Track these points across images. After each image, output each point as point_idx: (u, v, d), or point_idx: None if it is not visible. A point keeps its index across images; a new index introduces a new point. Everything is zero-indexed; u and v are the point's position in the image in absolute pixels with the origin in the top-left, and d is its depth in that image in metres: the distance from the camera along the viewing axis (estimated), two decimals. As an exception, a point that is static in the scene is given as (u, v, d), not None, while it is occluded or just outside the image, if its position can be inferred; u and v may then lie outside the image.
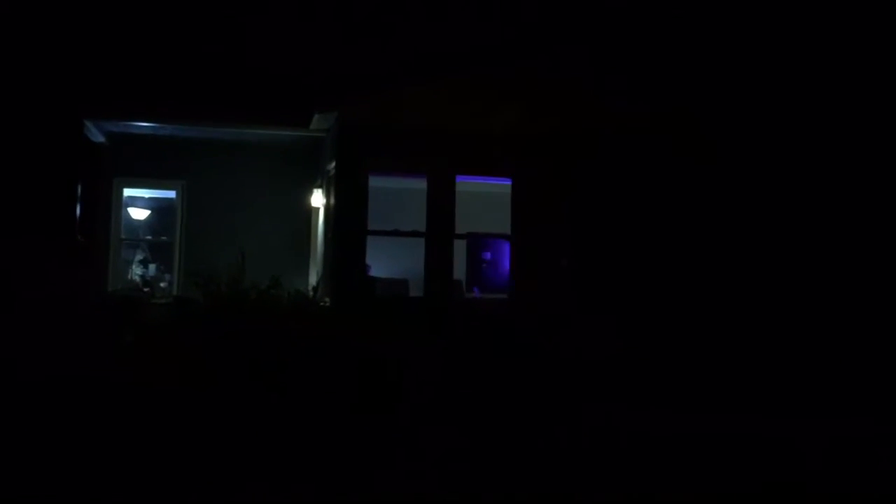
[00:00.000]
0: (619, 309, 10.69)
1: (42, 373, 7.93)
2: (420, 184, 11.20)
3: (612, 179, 11.09)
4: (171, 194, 12.73)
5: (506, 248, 11.60)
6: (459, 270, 12.04)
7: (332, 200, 11.03)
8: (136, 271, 13.43)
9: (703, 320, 10.57)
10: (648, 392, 9.22)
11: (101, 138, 11.84)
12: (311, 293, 10.65)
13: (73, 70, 10.66)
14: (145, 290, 12.62)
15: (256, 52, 11.85)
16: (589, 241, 11.05)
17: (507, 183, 11.30)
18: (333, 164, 10.99)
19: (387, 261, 12.94)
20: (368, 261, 11.61)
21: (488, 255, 12.49)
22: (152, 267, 13.54)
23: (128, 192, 12.92)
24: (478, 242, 12.52)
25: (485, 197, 12.42)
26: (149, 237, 13.79)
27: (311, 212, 12.57)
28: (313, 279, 11.85)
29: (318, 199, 12.16)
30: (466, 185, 11.60)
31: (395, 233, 11.43)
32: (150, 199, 13.92)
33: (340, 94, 10.77)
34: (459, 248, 11.97)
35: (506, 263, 11.51)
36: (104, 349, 8.66)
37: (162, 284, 13.12)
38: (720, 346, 10.35)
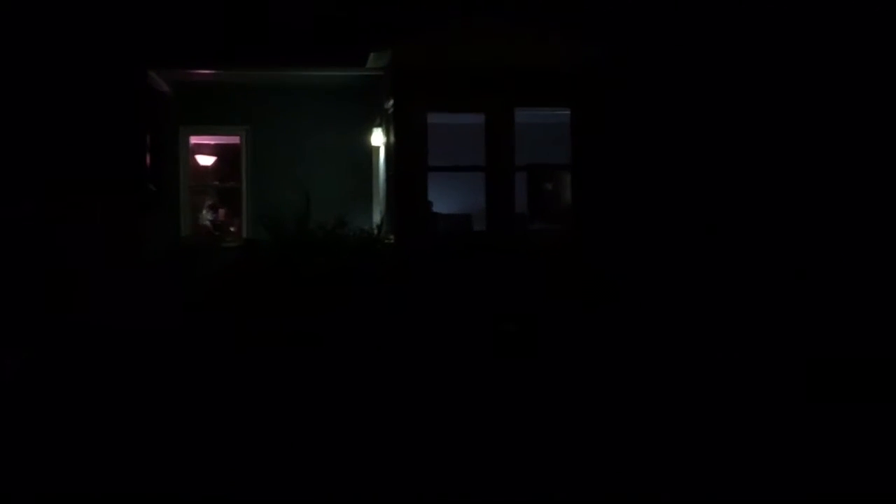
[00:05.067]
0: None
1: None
2: (479, 117, 11.15)
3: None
4: (236, 140, 12.97)
5: (567, 179, 11.54)
6: (520, 202, 12.03)
7: (392, 139, 11.10)
8: (207, 216, 13.84)
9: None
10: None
11: (165, 87, 12.10)
12: (375, 231, 10.85)
13: (138, 20, 10.82)
14: (216, 234, 13.03)
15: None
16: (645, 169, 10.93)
17: (566, 112, 11.17)
18: (391, 102, 11.03)
19: (448, 197, 12.95)
20: (430, 197, 11.69)
21: (549, 186, 12.42)
22: (221, 212, 13.94)
23: (194, 139, 13.21)
24: (539, 174, 12.44)
25: (545, 127, 12.30)
26: (216, 182, 14.13)
27: (371, 151, 12.67)
28: (377, 217, 12.01)
29: (378, 137, 12.25)
30: (524, 114, 11.51)
31: (455, 168, 11.41)
32: (216, 145, 14.23)
33: (393, 32, 10.76)
34: (520, 180, 11.93)
35: (567, 194, 11.46)
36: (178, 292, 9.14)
37: (232, 228, 13.52)
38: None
